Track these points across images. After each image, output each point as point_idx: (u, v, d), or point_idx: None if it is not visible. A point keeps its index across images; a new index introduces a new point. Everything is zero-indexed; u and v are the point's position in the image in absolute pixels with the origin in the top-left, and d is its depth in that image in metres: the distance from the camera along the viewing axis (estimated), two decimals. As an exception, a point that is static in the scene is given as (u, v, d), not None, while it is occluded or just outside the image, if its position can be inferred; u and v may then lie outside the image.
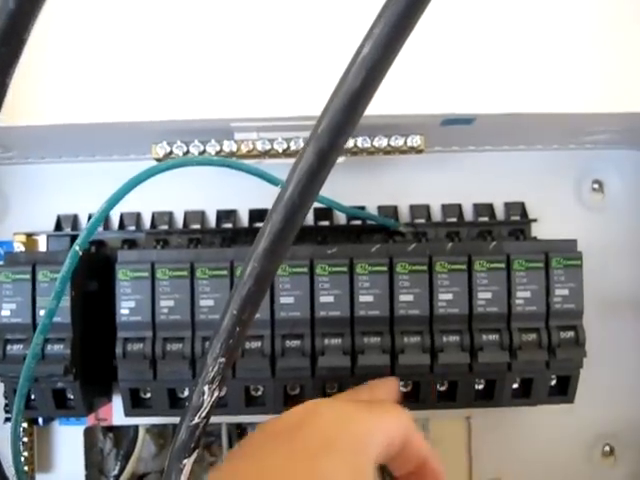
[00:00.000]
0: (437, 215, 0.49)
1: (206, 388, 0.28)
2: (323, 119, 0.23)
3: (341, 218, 0.49)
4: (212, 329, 0.40)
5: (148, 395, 0.43)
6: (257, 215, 0.49)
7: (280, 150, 0.41)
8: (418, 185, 0.49)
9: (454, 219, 0.48)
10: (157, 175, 0.35)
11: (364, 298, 0.41)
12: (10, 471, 0.35)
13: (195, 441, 0.30)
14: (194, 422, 0.29)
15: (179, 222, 0.49)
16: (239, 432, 0.50)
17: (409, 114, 0.39)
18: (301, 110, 0.39)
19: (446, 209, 0.49)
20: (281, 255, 0.26)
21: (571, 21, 0.39)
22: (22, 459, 0.37)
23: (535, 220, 0.48)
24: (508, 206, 0.49)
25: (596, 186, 0.50)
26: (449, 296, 0.41)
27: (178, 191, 0.49)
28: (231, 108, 0.39)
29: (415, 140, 0.41)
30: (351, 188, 0.48)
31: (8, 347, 0.41)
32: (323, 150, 0.24)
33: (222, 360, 0.28)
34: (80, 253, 0.32)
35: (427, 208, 0.49)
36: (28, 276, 0.41)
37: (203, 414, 0.29)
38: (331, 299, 0.41)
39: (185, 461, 0.30)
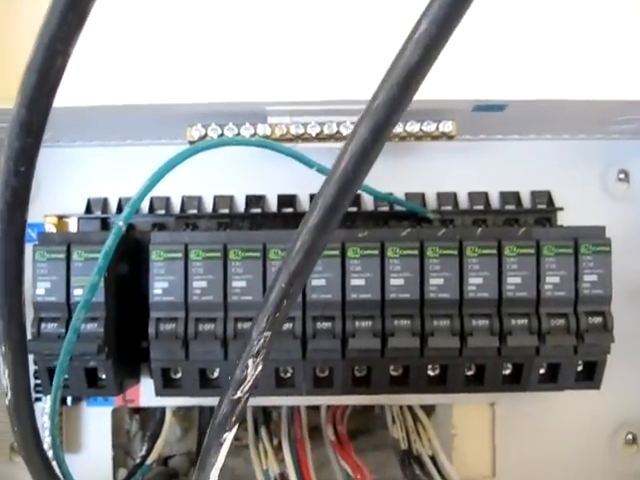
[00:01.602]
0: (464, 203, 0.49)
1: (250, 362, 0.29)
2: (379, 94, 0.23)
3: (369, 204, 0.49)
4: (244, 310, 0.41)
5: (179, 375, 0.43)
6: (286, 201, 0.49)
7: (313, 134, 0.42)
8: (445, 173, 0.50)
9: (481, 207, 0.49)
10: (200, 153, 0.35)
11: (395, 281, 0.41)
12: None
13: (236, 415, 0.30)
14: (236, 396, 0.30)
15: (208, 207, 0.49)
16: (265, 416, 0.51)
17: (442, 99, 0.40)
18: (335, 94, 0.39)
19: (473, 197, 0.49)
20: (331, 229, 0.26)
21: (604, 7, 0.40)
22: (59, 434, 0.37)
23: (561, 209, 0.49)
24: (534, 195, 0.49)
25: (622, 176, 0.50)
26: (479, 280, 0.41)
27: (207, 176, 0.50)
28: (266, 91, 0.40)
29: (447, 126, 0.42)
30: (379, 175, 0.48)
31: (43, 325, 0.41)
32: (378, 125, 0.24)
33: (267, 334, 0.28)
34: (124, 229, 0.32)
35: (454, 196, 0.49)
36: (63, 255, 0.42)
37: (246, 388, 0.29)
38: (362, 282, 0.41)
39: (225, 435, 0.31)
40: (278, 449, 0.47)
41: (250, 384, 0.29)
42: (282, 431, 0.48)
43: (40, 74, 0.23)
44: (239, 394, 0.30)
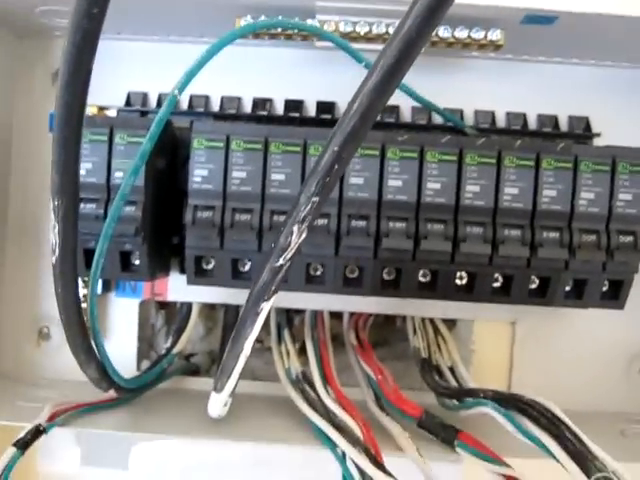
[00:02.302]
0: (501, 122, 0.49)
1: (295, 228, 0.29)
2: None
3: (407, 116, 0.50)
4: (281, 203, 0.41)
5: (211, 266, 0.44)
6: (325, 107, 0.49)
7: (362, 33, 0.42)
8: (485, 91, 0.50)
9: (518, 127, 0.49)
10: (257, 30, 0.35)
11: (432, 185, 0.42)
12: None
13: (276, 284, 0.31)
14: (278, 263, 0.30)
15: (247, 108, 0.50)
16: (287, 320, 0.51)
17: (494, 5, 0.39)
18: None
19: (511, 117, 0.49)
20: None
21: None
22: (96, 311, 0.38)
23: (598, 134, 0.49)
24: (572, 119, 0.49)
25: (661, 107, 0.50)
26: (515, 190, 0.42)
27: (247, 78, 0.50)
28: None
29: (496, 34, 0.42)
30: (419, 89, 0.48)
31: (82, 205, 0.42)
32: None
33: (315, 199, 0.28)
34: (179, 97, 0.33)
35: (492, 114, 0.49)
36: (105, 137, 0.42)
37: (288, 255, 0.30)
38: (399, 183, 0.42)
39: (263, 305, 0.31)
40: (300, 352, 0.48)
41: (293, 252, 0.30)
42: (306, 333, 0.48)
43: None
44: (281, 261, 0.30)
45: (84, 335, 0.36)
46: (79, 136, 0.29)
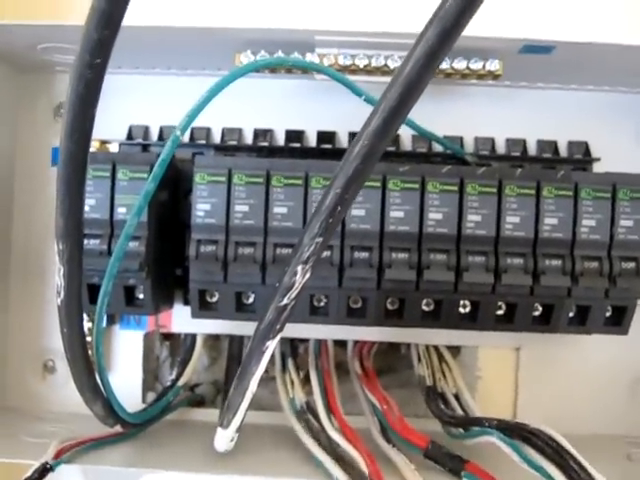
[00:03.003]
0: (501, 149, 0.50)
1: (299, 268, 0.29)
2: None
3: (407, 144, 0.50)
4: (284, 236, 0.42)
5: (215, 299, 0.44)
6: (325, 137, 0.50)
7: (361, 65, 0.42)
8: (484, 118, 0.50)
9: (518, 153, 0.49)
10: (259, 69, 0.36)
11: (433, 215, 0.42)
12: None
13: (281, 323, 0.31)
14: (283, 303, 0.30)
15: (248, 139, 0.50)
16: (292, 349, 0.51)
17: (491, 37, 0.40)
18: (385, 26, 0.40)
19: (510, 143, 0.50)
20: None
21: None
22: (101, 349, 0.38)
23: (598, 159, 0.49)
24: (571, 144, 0.50)
25: (659, 131, 0.50)
26: (516, 219, 0.42)
27: (248, 109, 0.50)
28: (315, 20, 0.40)
29: (494, 64, 0.42)
30: (418, 117, 0.49)
31: (85, 241, 0.42)
32: (445, 30, 0.24)
33: (319, 240, 0.29)
34: (181, 137, 0.33)
35: (492, 141, 0.50)
36: (108, 174, 0.43)
37: (293, 295, 0.30)
38: (401, 214, 0.42)
39: (268, 343, 0.32)
40: (305, 381, 0.48)
41: (297, 291, 0.30)
42: (310, 362, 0.48)
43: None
44: (286, 301, 0.30)
45: (90, 373, 0.36)
46: (83, 181, 0.29)
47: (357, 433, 0.41)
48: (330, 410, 0.44)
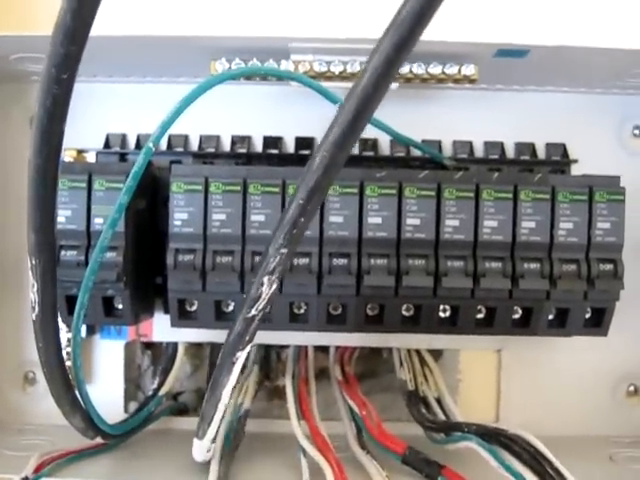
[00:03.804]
0: (480, 152, 0.50)
1: (265, 279, 0.29)
2: (404, 8, 0.24)
3: (385, 149, 0.50)
4: (262, 244, 0.41)
5: (194, 308, 0.44)
6: (303, 143, 0.50)
7: (337, 72, 0.42)
8: (462, 122, 0.50)
9: (496, 156, 0.49)
10: (227, 81, 0.35)
11: (411, 221, 0.42)
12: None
13: (250, 334, 0.31)
14: (250, 314, 0.30)
15: (226, 146, 0.50)
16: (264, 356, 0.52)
17: (466, 42, 0.40)
18: (359, 32, 0.40)
19: (488, 146, 0.50)
20: (350, 146, 0.27)
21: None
22: (79, 362, 0.38)
23: (576, 161, 0.49)
24: (549, 146, 0.50)
25: (637, 131, 0.51)
26: (494, 223, 0.42)
27: (226, 116, 0.50)
28: (289, 27, 0.40)
29: (469, 69, 0.42)
30: (396, 121, 0.49)
31: (62, 253, 0.42)
32: (402, 39, 0.24)
33: (284, 251, 0.29)
34: (154, 149, 0.33)
35: (470, 145, 0.50)
36: (84, 184, 0.42)
37: (260, 306, 0.30)
38: (379, 220, 0.42)
39: (238, 354, 0.32)
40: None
41: (265, 302, 0.30)
42: (287, 369, 0.48)
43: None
44: (253, 312, 0.30)
45: (68, 387, 0.36)
46: (54, 196, 0.29)
47: (328, 441, 0.41)
48: (303, 416, 0.44)
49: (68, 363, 0.47)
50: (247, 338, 0.31)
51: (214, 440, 0.36)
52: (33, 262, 0.30)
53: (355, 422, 0.44)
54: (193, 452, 0.38)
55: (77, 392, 0.38)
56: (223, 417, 0.35)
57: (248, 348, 0.32)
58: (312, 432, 0.42)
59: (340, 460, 0.39)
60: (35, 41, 0.40)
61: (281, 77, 0.39)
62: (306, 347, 0.50)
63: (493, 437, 0.36)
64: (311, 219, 0.28)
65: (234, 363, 0.32)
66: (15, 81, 0.50)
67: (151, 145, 0.33)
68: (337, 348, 0.51)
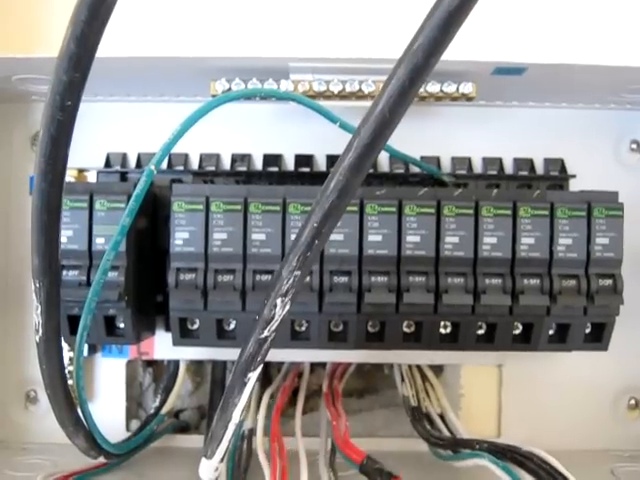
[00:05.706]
0: (478, 168, 0.50)
1: (279, 301, 0.29)
2: (419, 36, 0.24)
3: (384, 165, 0.50)
4: (263, 263, 0.42)
5: (196, 326, 0.44)
6: (303, 160, 0.50)
7: (336, 91, 0.42)
8: (461, 138, 0.51)
9: (495, 172, 0.50)
10: (232, 101, 0.36)
11: (411, 238, 0.42)
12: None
13: (262, 355, 0.31)
14: (263, 335, 0.30)
15: (226, 165, 0.50)
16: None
17: (464, 60, 0.40)
18: (358, 52, 0.40)
19: (487, 162, 0.50)
20: (365, 170, 0.27)
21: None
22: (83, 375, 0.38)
23: (574, 176, 0.50)
24: (548, 162, 0.50)
25: (634, 146, 0.51)
26: (493, 240, 0.42)
27: (225, 135, 0.50)
28: (289, 47, 0.40)
29: (467, 87, 0.42)
30: (396, 138, 0.49)
31: (64, 273, 0.42)
32: (417, 66, 0.24)
33: (297, 273, 0.29)
34: (155, 172, 0.33)
35: (469, 161, 0.50)
36: (85, 205, 0.42)
37: (273, 327, 0.30)
38: (379, 238, 0.42)
39: (250, 375, 0.32)
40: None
41: (277, 323, 0.30)
42: (273, 384, 0.48)
43: (91, 9, 0.24)
44: (266, 333, 0.30)
45: (71, 407, 0.36)
46: (57, 220, 0.29)
47: (286, 456, 0.41)
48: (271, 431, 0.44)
49: (70, 382, 0.47)
50: (259, 359, 0.31)
51: (222, 460, 0.36)
52: (37, 285, 0.30)
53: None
54: (200, 471, 0.38)
55: (80, 411, 0.38)
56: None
57: (260, 369, 0.32)
58: (279, 445, 0.42)
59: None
60: (37, 63, 0.40)
61: (281, 98, 0.39)
62: (298, 364, 0.50)
63: (506, 455, 0.36)
64: (325, 242, 0.29)
65: (246, 383, 0.32)
66: (16, 101, 0.51)
67: (152, 167, 0.33)
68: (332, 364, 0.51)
